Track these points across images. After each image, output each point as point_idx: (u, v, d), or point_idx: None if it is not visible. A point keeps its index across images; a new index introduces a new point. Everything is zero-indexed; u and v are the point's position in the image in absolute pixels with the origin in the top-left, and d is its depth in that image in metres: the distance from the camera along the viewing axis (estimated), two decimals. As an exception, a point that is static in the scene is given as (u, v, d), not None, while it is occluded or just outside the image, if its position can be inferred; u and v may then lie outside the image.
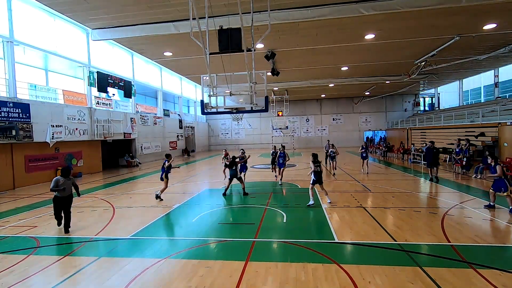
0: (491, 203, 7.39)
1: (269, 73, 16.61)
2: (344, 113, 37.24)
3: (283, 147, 12.16)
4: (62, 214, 6.56)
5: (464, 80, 28.27)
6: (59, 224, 6.67)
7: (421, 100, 36.33)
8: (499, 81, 23.38)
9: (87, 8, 10.56)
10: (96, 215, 7.84)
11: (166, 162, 9.17)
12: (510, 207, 7.00)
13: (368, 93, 31.84)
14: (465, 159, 12.98)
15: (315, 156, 8.31)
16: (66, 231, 6.42)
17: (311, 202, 8.02)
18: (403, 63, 18.89)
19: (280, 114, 32.36)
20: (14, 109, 12.10)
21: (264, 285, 4.01)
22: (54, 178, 6.42)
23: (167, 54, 16.01)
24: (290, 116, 36.84)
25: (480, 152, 15.09)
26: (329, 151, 14.26)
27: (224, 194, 9.77)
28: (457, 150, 14.04)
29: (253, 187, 11.20)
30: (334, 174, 13.62)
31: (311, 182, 8.18)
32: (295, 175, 14.10)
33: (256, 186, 11.61)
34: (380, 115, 36.64)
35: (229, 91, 8.58)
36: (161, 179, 9.34)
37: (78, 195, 6.96)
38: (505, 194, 6.96)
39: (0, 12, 12.03)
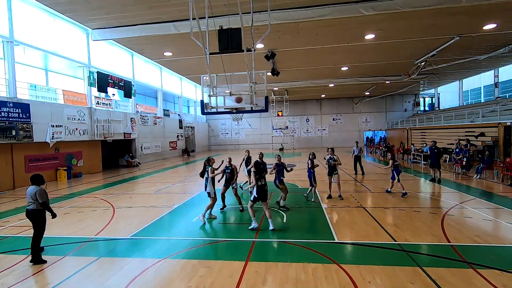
0: (389, 189, 9.48)
1: (269, 73, 16.61)
2: (344, 113, 37.23)
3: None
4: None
5: (464, 80, 28.26)
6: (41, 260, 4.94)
7: (421, 100, 36.34)
8: (499, 81, 23.37)
9: (87, 8, 10.57)
10: (96, 215, 7.84)
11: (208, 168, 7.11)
12: (403, 192, 8.87)
13: (368, 93, 31.84)
14: (465, 159, 12.99)
15: (257, 165, 6.46)
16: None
17: (254, 225, 6.30)
18: (403, 63, 18.90)
19: (280, 114, 32.38)
20: (14, 109, 12.09)
21: (264, 285, 4.00)
22: (43, 189, 5.04)
23: (167, 54, 16.02)
24: (290, 116, 36.84)
25: (480, 152, 15.09)
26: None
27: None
28: (457, 150, 14.04)
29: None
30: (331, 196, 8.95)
31: (251, 199, 6.34)
32: (295, 175, 14.08)
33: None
34: (380, 115, 36.63)
35: (229, 91, 8.58)
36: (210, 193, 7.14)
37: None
38: (396, 181, 9.05)
39: (0, 12, 12.03)
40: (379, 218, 6.81)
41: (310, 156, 8.85)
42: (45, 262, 4.93)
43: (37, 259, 4.90)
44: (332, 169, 8.78)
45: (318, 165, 8.71)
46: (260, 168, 6.35)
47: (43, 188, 5.09)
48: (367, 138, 35.91)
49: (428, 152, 13.53)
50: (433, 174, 11.54)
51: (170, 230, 6.56)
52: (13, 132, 12.00)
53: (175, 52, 15.65)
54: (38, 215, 5.00)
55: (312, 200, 8.72)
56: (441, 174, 11.41)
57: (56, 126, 14.10)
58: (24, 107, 12.51)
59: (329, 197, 8.90)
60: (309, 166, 8.66)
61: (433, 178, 11.48)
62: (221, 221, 7.05)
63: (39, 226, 5.00)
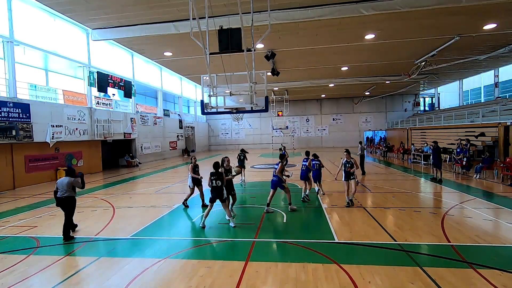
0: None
1: (269, 73, 16.60)
2: (344, 113, 37.22)
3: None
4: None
5: (464, 80, 28.25)
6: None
7: (421, 100, 36.32)
8: (499, 81, 23.37)
9: (87, 8, 10.56)
10: (96, 215, 7.84)
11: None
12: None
13: (368, 93, 31.83)
14: (465, 159, 13.00)
15: (215, 166, 6.50)
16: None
17: (231, 224, 6.51)
18: (403, 63, 18.89)
19: (280, 114, 32.37)
20: (14, 109, 12.09)
21: (264, 285, 4.00)
22: (76, 179, 6.17)
23: (167, 54, 16.01)
24: (290, 116, 36.83)
25: (480, 152, 15.09)
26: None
27: None
28: (458, 150, 14.06)
29: (253, 187, 11.22)
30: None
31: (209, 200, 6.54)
32: (294, 175, 14.06)
33: (256, 186, 11.61)
34: (380, 115, 36.63)
35: (229, 91, 8.58)
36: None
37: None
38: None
39: (0, 12, 12.03)
40: (379, 218, 6.81)
41: (315, 157, 9.19)
42: (73, 238, 6.10)
43: (67, 237, 6.02)
44: (349, 174, 7.81)
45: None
46: (218, 172, 6.46)
47: (75, 179, 6.24)
48: (367, 138, 35.91)
49: (429, 152, 13.57)
50: (434, 173, 11.57)
51: (170, 230, 6.56)
52: (13, 132, 12.00)
53: (175, 52, 15.65)
54: (71, 201, 6.13)
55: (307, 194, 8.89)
56: (442, 174, 11.42)
57: (56, 126, 14.10)
58: (24, 107, 12.51)
59: (348, 205, 7.93)
60: (318, 168, 9.13)
61: (434, 178, 11.49)
62: (221, 221, 7.05)
63: (70, 210, 6.13)
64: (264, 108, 8.33)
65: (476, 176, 11.99)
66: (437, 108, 33.00)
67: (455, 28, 12.64)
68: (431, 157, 12.53)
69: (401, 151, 20.46)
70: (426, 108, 36.10)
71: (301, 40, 13.80)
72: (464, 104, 28.24)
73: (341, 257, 4.79)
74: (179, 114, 29.69)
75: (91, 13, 11.06)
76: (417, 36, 13.53)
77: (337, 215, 7.16)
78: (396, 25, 12.17)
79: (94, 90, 16.82)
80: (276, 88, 26.82)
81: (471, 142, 14.67)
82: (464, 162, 13.04)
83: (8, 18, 12.22)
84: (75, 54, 15.70)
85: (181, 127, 29.58)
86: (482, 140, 15.78)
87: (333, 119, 37.43)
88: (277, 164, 7.67)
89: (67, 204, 6.08)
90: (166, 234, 6.28)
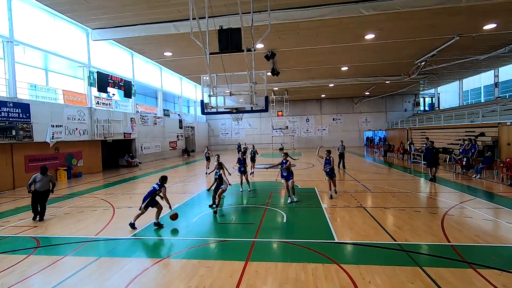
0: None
1: (269, 73, 16.60)
2: (344, 113, 37.22)
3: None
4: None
5: (464, 80, 28.26)
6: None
7: (421, 100, 36.31)
8: (499, 81, 23.36)
9: (87, 8, 10.56)
10: (96, 215, 7.84)
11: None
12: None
13: (368, 93, 31.83)
14: (465, 159, 13.01)
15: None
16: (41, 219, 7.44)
17: None
18: (403, 63, 18.89)
19: (280, 114, 32.37)
20: (14, 109, 12.09)
21: (264, 285, 4.00)
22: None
23: (167, 54, 16.02)
24: (290, 116, 36.82)
25: (480, 152, 15.08)
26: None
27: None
28: (461, 150, 14.10)
29: (253, 187, 11.20)
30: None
31: None
32: (295, 175, 14.04)
33: (256, 186, 11.60)
34: (380, 115, 36.62)
35: (229, 91, 8.58)
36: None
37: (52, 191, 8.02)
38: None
39: (0, 12, 12.03)
40: (379, 218, 6.81)
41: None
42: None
43: None
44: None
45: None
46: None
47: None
48: (367, 138, 35.90)
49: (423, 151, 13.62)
50: (430, 173, 11.61)
51: (170, 230, 6.56)
52: (13, 132, 11.99)
53: (175, 52, 15.65)
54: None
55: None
56: (436, 171, 11.66)
57: (56, 126, 14.10)
58: (24, 107, 12.50)
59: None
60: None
61: (432, 178, 11.45)
62: (221, 221, 7.05)
63: None
64: (264, 108, 8.33)
65: (476, 176, 11.99)
66: (437, 108, 33.00)
67: (455, 28, 12.65)
68: (425, 156, 12.49)
69: (401, 151, 20.46)
70: (426, 108, 36.09)
71: (301, 40, 13.80)
72: (464, 104, 28.23)
73: (341, 257, 4.80)
74: (179, 114, 29.69)
75: (91, 13, 11.06)
76: (417, 36, 13.53)
77: (337, 215, 7.16)
78: (396, 25, 12.17)
79: (94, 90, 16.82)
80: (276, 88, 26.83)
81: (475, 140, 14.66)
82: (464, 162, 13.04)
83: (8, 18, 12.22)
84: (75, 54, 15.69)
85: (181, 127, 29.58)
86: (482, 140, 15.77)
87: (333, 119, 37.43)
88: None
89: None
90: (166, 234, 6.28)
